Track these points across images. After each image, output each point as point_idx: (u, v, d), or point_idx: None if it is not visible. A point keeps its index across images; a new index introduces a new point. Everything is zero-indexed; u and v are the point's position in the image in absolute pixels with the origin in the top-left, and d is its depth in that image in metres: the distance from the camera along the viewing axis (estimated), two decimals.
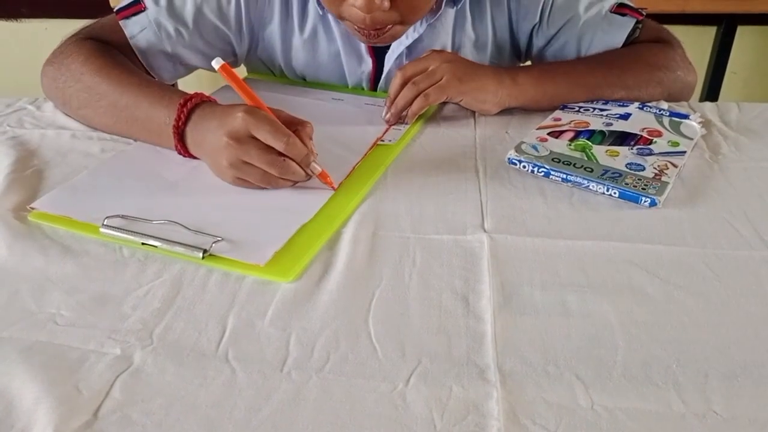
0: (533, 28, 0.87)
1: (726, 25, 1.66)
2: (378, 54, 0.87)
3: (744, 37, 1.70)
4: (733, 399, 0.42)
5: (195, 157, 0.67)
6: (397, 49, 0.85)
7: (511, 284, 0.52)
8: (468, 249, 0.56)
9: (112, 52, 0.76)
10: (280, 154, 0.61)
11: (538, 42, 0.88)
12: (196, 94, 0.67)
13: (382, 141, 0.74)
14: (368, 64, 0.87)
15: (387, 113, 0.77)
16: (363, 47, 0.86)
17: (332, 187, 0.64)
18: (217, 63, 0.63)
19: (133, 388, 0.43)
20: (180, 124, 0.65)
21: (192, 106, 0.66)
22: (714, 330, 0.48)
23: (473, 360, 0.45)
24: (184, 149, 0.67)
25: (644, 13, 0.85)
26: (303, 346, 0.46)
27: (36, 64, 0.77)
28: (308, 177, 0.63)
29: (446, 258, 0.55)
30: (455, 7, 0.84)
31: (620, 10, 0.84)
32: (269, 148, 0.61)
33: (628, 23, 0.84)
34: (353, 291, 0.52)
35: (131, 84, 0.71)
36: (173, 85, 0.88)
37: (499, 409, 0.41)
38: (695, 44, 1.74)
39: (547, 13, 0.85)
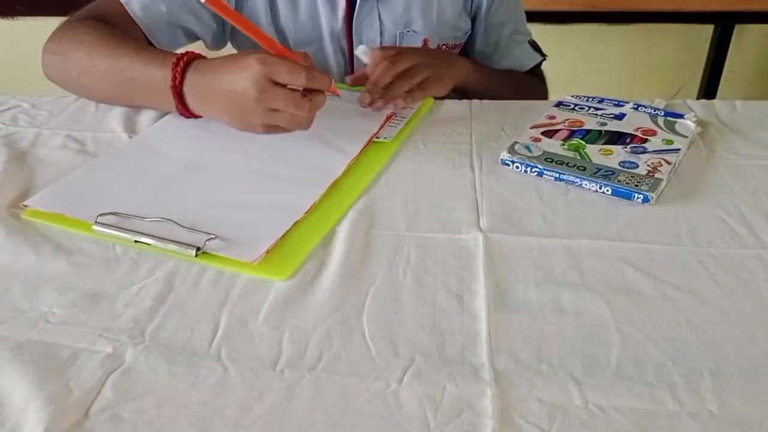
0: (480, 8, 0.97)
1: (723, 24, 1.66)
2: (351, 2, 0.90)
3: (741, 35, 1.71)
4: (727, 397, 0.42)
5: (196, 116, 0.68)
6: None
7: (505, 283, 0.52)
8: (463, 247, 0.56)
9: (112, 26, 0.77)
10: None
11: (478, 28, 0.97)
12: (186, 52, 0.67)
13: (378, 138, 0.74)
14: (342, 8, 0.90)
15: (369, 99, 0.77)
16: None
17: (337, 93, 0.70)
18: None
19: (125, 386, 0.43)
20: (177, 83, 0.66)
21: (184, 64, 0.66)
22: (708, 328, 0.48)
23: (467, 358, 0.45)
24: (185, 109, 0.68)
25: (546, 57, 1.03)
26: (296, 344, 0.46)
27: (32, 62, 0.77)
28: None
29: (441, 256, 0.55)
30: None
31: (534, 45, 1.02)
32: (293, 91, 0.63)
33: (537, 57, 1.02)
34: (347, 289, 0.51)
35: (128, 47, 0.72)
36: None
37: (492, 407, 0.41)
38: (692, 43, 1.75)
39: (494, 3, 0.96)
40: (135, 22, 0.81)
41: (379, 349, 0.46)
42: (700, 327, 0.48)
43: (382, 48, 0.82)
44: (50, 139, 0.73)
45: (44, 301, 0.50)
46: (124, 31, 0.79)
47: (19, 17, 1.77)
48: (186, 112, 0.69)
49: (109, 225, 0.57)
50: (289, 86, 0.64)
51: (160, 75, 0.68)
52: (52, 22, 1.83)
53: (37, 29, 1.77)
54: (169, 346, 0.46)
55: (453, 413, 0.41)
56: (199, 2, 0.62)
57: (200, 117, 0.69)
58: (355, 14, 0.90)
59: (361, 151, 0.70)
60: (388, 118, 0.77)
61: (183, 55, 0.67)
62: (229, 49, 0.97)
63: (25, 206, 0.60)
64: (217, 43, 0.94)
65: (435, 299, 0.50)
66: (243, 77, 0.62)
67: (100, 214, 0.57)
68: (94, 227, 0.57)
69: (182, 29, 0.87)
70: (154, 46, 0.85)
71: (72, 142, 0.72)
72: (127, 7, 0.81)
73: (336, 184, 0.64)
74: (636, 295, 0.51)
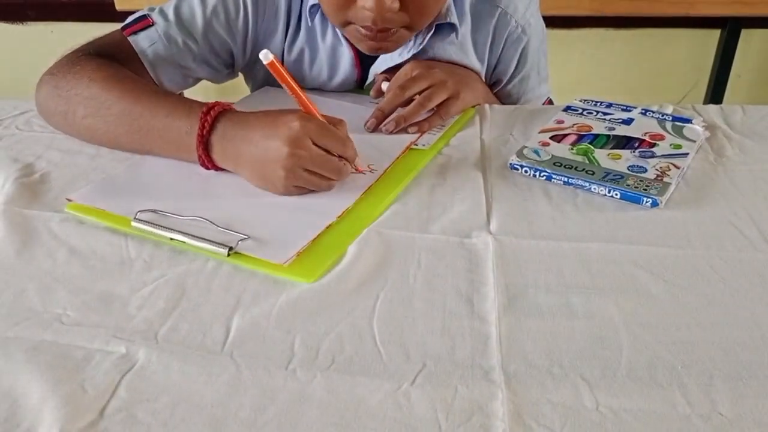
0: (499, 83, 0.94)
1: (730, 28, 1.66)
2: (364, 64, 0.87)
3: (748, 40, 1.70)
4: (738, 400, 0.42)
5: (219, 169, 0.66)
6: (382, 65, 0.85)
7: (515, 286, 0.52)
8: (473, 251, 0.56)
9: (121, 65, 0.75)
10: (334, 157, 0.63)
11: (495, 77, 0.93)
12: (216, 103, 0.65)
13: (416, 145, 0.73)
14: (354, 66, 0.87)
15: (373, 125, 0.76)
16: (350, 60, 0.85)
17: (361, 171, 0.67)
18: (265, 58, 0.62)
19: (139, 387, 0.43)
20: (204, 133, 0.64)
21: (215, 114, 0.64)
22: (719, 331, 0.48)
23: (478, 362, 0.45)
24: (208, 160, 0.65)
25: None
26: (308, 348, 0.47)
27: (43, 67, 0.77)
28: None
29: (451, 260, 0.55)
30: (453, 39, 0.84)
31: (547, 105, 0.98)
32: (328, 154, 0.62)
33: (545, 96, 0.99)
34: (358, 293, 0.52)
35: (146, 93, 0.69)
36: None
37: (503, 409, 0.42)
38: (700, 47, 1.75)
39: (515, 63, 0.91)
40: (141, 60, 0.79)
41: (389, 354, 0.46)
42: (710, 330, 0.48)
43: (404, 67, 0.80)
44: (64, 143, 0.73)
45: (58, 303, 0.51)
46: (128, 68, 0.76)
47: (29, 22, 1.78)
48: (208, 163, 0.65)
49: (146, 222, 0.58)
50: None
51: (185, 124, 0.65)
52: (62, 28, 1.84)
53: (48, 34, 1.80)
54: (182, 348, 0.46)
55: (464, 415, 0.41)
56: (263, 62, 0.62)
57: (220, 170, 0.66)
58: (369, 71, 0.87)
59: (398, 157, 0.71)
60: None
61: (213, 105, 0.64)
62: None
63: (69, 200, 0.62)
64: (221, 82, 0.91)
65: (445, 303, 0.51)
66: (280, 133, 0.60)
67: (140, 211, 0.59)
68: (133, 223, 0.58)
69: (193, 78, 0.85)
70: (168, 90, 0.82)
71: (87, 146, 0.73)
72: (135, 46, 0.78)
73: (370, 190, 0.65)
74: (646, 297, 0.51)
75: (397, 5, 0.71)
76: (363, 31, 0.75)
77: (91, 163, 0.70)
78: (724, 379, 0.44)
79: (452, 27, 0.83)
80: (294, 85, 0.64)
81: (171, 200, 0.61)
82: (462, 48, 0.86)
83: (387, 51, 0.80)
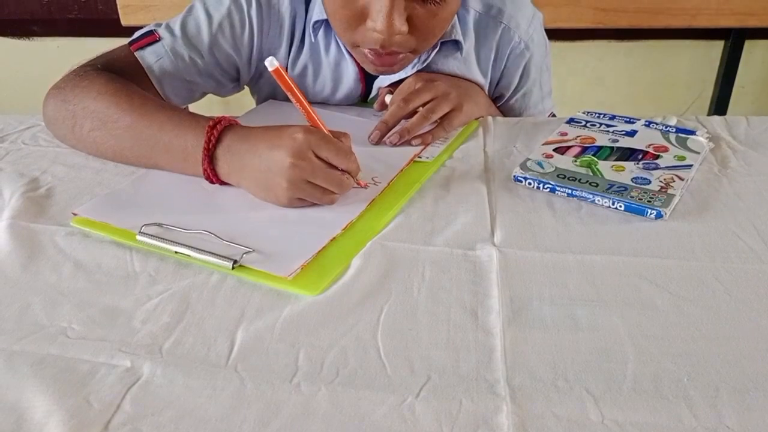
0: (501, 98, 0.94)
1: (734, 40, 1.66)
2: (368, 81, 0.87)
3: (752, 51, 1.71)
4: (744, 413, 0.42)
5: (223, 183, 0.66)
6: (386, 79, 0.85)
7: (520, 298, 0.52)
8: (477, 263, 0.56)
9: (129, 80, 0.75)
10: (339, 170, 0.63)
11: (498, 92, 0.93)
12: (222, 117, 0.66)
13: (420, 158, 0.74)
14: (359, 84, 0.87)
15: (377, 138, 0.76)
16: (354, 74, 0.86)
17: (362, 186, 0.67)
18: (271, 65, 0.62)
19: (144, 400, 0.43)
20: (210, 146, 0.64)
21: (221, 129, 0.64)
22: (724, 343, 0.48)
23: (482, 375, 0.45)
24: (213, 174, 0.65)
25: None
26: (312, 361, 0.47)
27: (48, 82, 0.78)
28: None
29: (455, 272, 0.55)
30: (457, 55, 0.85)
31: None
32: (332, 167, 0.62)
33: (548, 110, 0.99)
34: (362, 306, 0.52)
35: (153, 107, 0.70)
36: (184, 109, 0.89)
37: (508, 423, 0.41)
38: (703, 59, 1.75)
39: (518, 78, 0.91)
40: (147, 75, 0.80)
41: (394, 367, 0.46)
42: (716, 342, 0.48)
43: (408, 80, 0.81)
44: (70, 158, 0.74)
45: (63, 317, 0.51)
46: (135, 83, 0.76)
47: (35, 38, 1.80)
48: (213, 177, 0.66)
49: (151, 235, 0.58)
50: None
51: (191, 137, 0.66)
52: (68, 43, 1.86)
53: (53, 50, 1.81)
54: (187, 361, 0.47)
55: (469, 429, 0.41)
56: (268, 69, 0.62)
57: (225, 184, 0.66)
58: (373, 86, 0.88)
59: (402, 169, 0.71)
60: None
61: (219, 119, 0.65)
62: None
63: (75, 214, 0.62)
64: (226, 95, 0.92)
65: (449, 315, 0.51)
66: (285, 144, 0.61)
67: (144, 225, 0.59)
68: (138, 237, 0.58)
69: (198, 92, 0.86)
70: (177, 105, 0.83)
71: (93, 160, 0.73)
72: (141, 61, 0.79)
73: (374, 202, 0.65)
74: (651, 310, 0.51)
75: (406, 28, 0.71)
76: (370, 56, 0.75)
77: (96, 177, 0.70)
78: (730, 392, 0.43)
79: (457, 44, 0.84)
80: (299, 95, 0.65)
81: (175, 214, 0.62)
82: (466, 63, 0.86)
83: (392, 73, 0.81)
